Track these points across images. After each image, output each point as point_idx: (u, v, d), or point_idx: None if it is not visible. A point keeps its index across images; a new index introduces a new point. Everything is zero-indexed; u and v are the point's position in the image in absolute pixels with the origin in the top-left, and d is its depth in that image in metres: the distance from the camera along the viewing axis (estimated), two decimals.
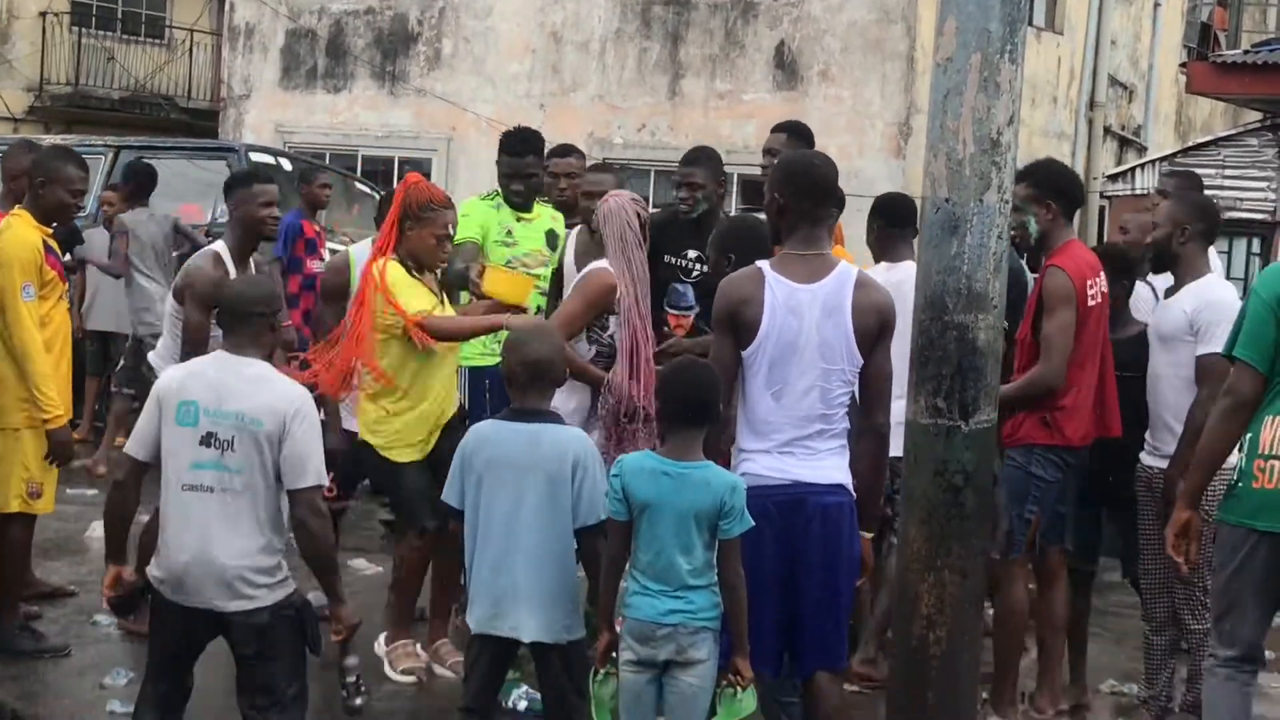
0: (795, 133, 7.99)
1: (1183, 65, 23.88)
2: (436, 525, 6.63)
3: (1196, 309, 6.44)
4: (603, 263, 6.56)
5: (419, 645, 7.03)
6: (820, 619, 5.10)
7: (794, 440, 5.05)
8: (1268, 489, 5.10)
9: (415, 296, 6.60)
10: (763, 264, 5.17)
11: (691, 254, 7.44)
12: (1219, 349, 5.65)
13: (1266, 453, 5.13)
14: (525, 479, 5.18)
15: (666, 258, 7.44)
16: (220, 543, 5.00)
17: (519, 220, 7.69)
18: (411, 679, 6.83)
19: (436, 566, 7.03)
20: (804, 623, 5.12)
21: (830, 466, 5.08)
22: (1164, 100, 25.17)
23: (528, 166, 7.78)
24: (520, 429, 5.25)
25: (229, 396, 5.06)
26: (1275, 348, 5.19)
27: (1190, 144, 20.50)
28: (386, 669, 6.87)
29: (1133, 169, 20.07)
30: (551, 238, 7.84)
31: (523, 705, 6.45)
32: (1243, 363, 5.25)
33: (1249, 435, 5.21)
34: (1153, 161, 20.00)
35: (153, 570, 5.18)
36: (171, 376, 5.26)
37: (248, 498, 5.04)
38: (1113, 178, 20.34)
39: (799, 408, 5.04)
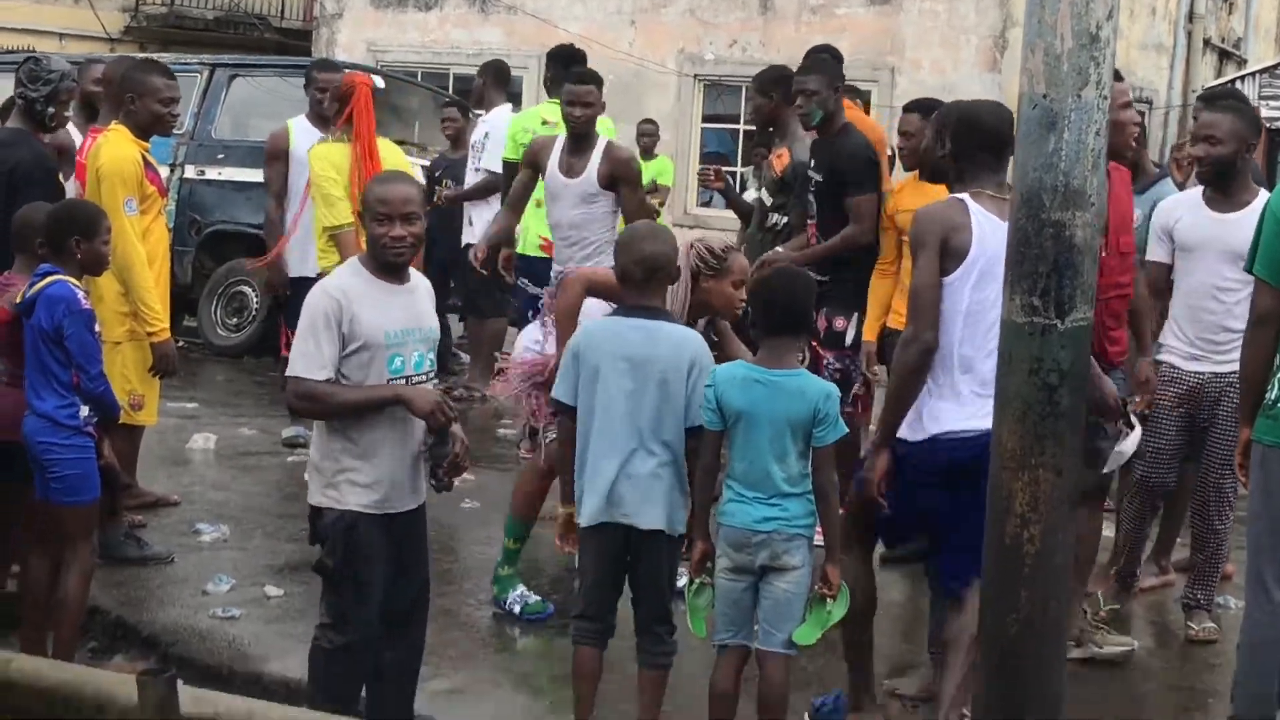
0: (928, 111, 7.85)
1: None
2: None
3: None
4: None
5: None
6: (970, 542, 5.14)
7: (984, 383, 5.05)
8: None
9: None
10: (964, 196, 5.27)
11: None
12: None
13: None
14: (644, 372, 5.09)
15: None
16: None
17: None
18: None
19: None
20: (953, 544, 5.25)
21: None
22: (1264, 12, 24.77)
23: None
24: (638, 324, 5.15)
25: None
26: None
27: None
28: None
29: (1232, 81, 19.75)
30: None
31: (518, 609, 6.45)
32: (1259, 279, 5.24)
33: None
34: (1253, 74, 19.70)
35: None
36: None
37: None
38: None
39: (988, 342, 5.05)
